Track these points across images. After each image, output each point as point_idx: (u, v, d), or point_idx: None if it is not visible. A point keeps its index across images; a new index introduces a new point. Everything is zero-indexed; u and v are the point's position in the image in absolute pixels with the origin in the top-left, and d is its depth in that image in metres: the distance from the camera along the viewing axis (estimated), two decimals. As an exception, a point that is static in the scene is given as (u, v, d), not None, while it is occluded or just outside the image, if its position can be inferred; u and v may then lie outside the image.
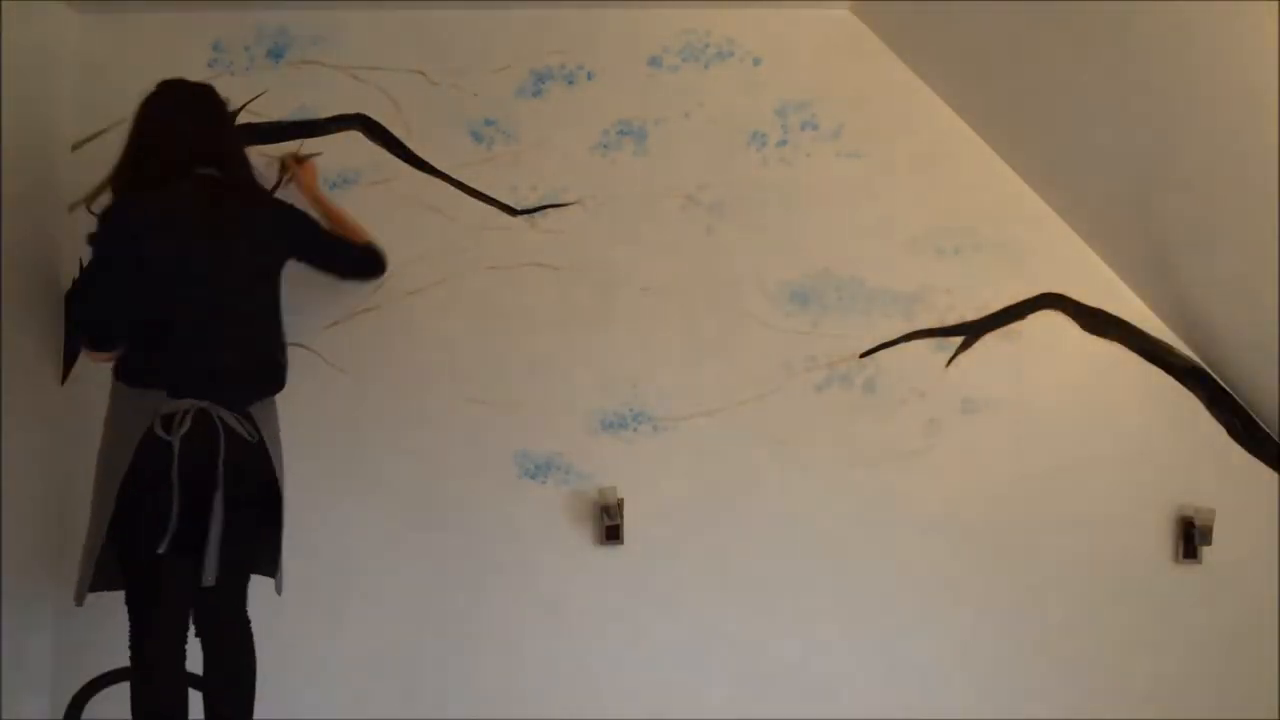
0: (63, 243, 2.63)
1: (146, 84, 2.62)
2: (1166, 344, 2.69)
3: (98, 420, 2.61)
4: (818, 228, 2.69)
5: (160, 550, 1.98)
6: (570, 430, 2.66)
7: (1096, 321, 2.70)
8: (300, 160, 2.58)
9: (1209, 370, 2.69)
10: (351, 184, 2.67)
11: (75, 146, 2.65)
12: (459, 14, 2.68)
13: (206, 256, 2.07)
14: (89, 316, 2.14)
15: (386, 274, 2.64)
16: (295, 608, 2.62)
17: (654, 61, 2.71)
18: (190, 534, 2.01)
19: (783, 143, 2.70)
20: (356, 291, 2.64)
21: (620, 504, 2.61)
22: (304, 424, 2.63)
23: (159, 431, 2.00)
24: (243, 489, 2.07)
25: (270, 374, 2.21)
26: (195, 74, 2.63)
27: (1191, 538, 2.64)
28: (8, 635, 2.42)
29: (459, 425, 2.65)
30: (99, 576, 2.08)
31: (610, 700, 2.63)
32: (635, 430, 2.66)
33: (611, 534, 2.62)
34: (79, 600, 2.10)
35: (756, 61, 2.71)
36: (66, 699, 2.59)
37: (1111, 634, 2.67)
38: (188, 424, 2.00)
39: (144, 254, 2.04)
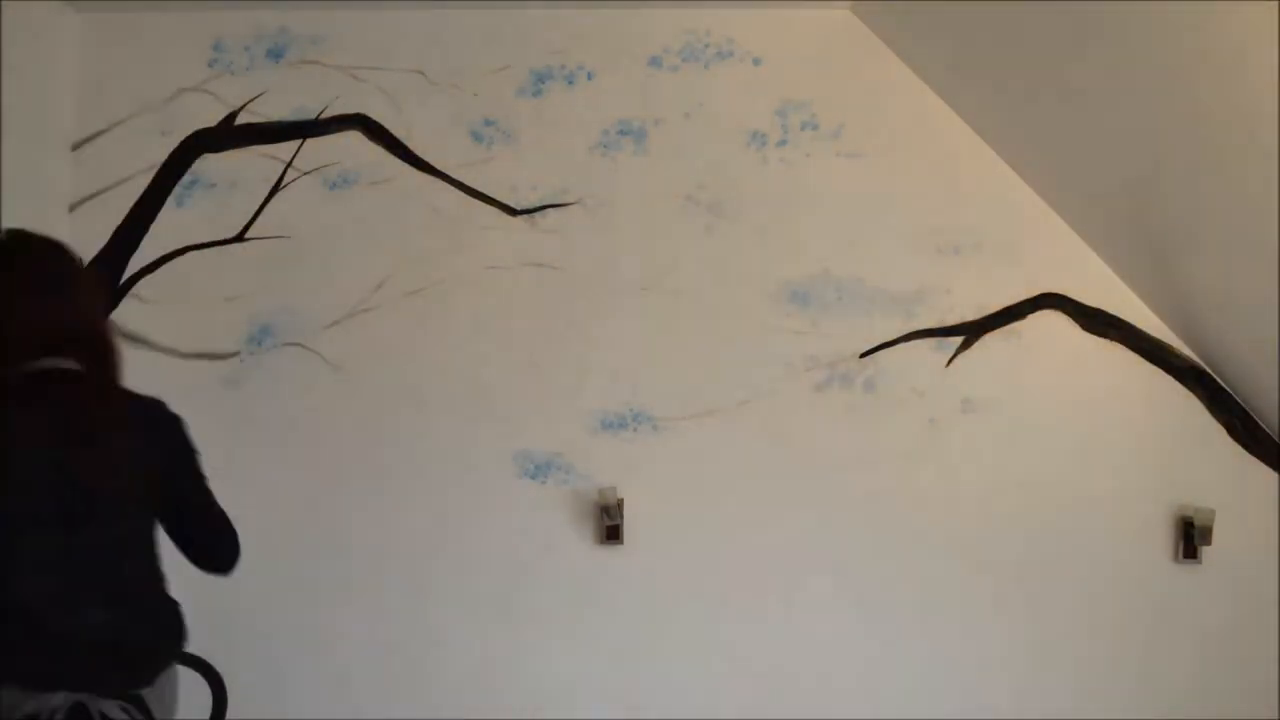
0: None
1: (146, 84, 2.66)
2: (1166, 344, 2.69)
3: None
4: (818, 228, 2.69)
5: None
6: (570, 430, 2.66)
7: (1096, 321, 2.70)
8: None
9: (1209, 370, 2.69)
10: (351, 184, 2.67)
11: (75, 146, 2.65)
12: (459, 14, 2.68)
13: (42, 487, 1.49)
14: None
15: (386, 274, 2.65)
16: (294, 606, 2.63)
17: (654, 61, 2.71)
18: None
19: (783, 143, 2.70)
20: (356, 291, 2.65)
21: (620, 504, 2.61)
22: (304, 424, 2.64)
23: None
24: None
25: (160, 636, 1.63)
26: (195, 74, 2.66)
27: (1191, 537, 2.64)
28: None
29: (459, 425, 2.65)
30: None
31: (610, 700, 2.63)
32: (635, 430, 2.66)
33: (611, 534, 2.62)
34: None
35: (756, 61, 2.71)
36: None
37: (1111, 633, 2.67)
38: None
39: None
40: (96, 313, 1.65)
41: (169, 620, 1.65)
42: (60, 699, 1.46)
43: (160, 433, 1.69)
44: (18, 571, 1.48)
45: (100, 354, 1.59)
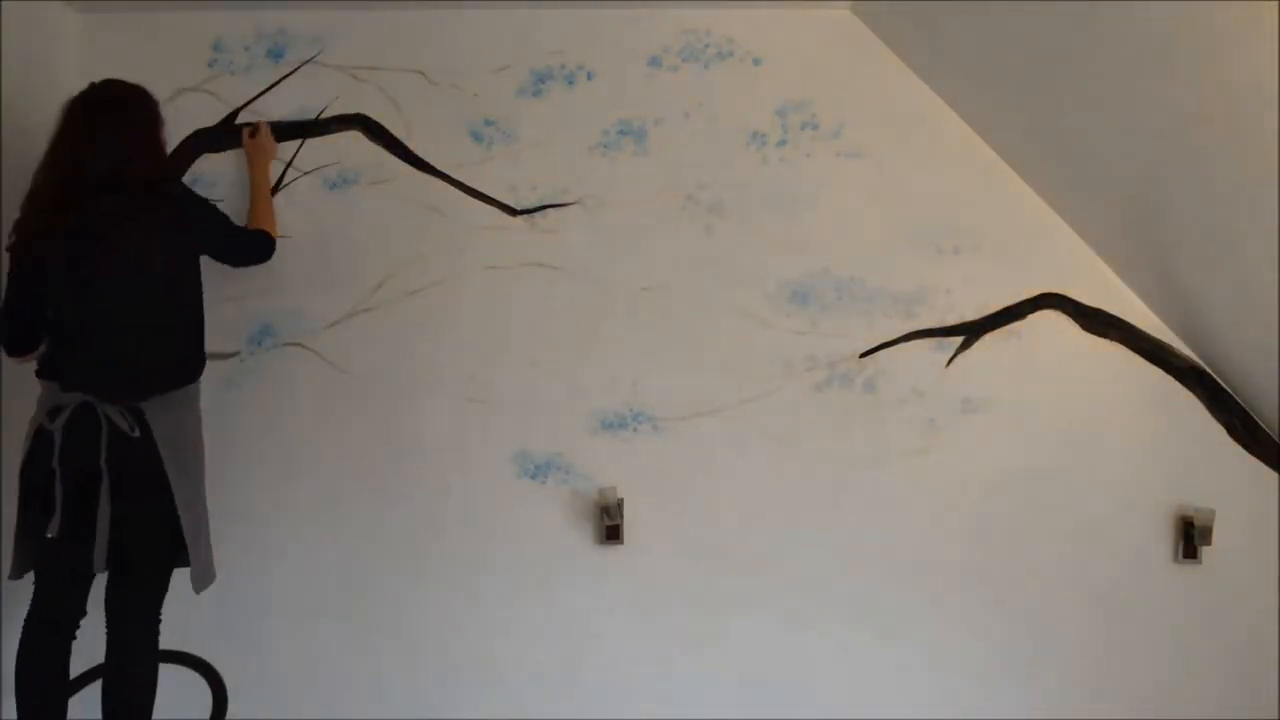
0: (63, 243, 2.63)
1: (146, 84, 2.64)
2: (1166, 344, 2.69)
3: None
4: (818, 228, 2.69)
5: (50, 534, 2.06)
6: (570, 430, 2.66)
7: (1096, 321, 2.70)
8: (253, 134, 2.61)
9: (1209, 370, 2.69)
10: (351, 184, 2.67)
11: (75, 146, 2.66)
12: (459, 14, 2.68)
13: (94, 258, 2.11)
14: (2, 324, 2.21)
15: (386, 274, 2.65)
16: (292, 606, 2.63)
17: (654, 61, 2.71)
18: (81, 522, 2.08)
19: (783, 143, 2.71)
20: (356, 291, 2.65)
21: (620, 504, 2.61)
22: (304, 424, 2.64)
23: (44, 422, 2.09)
24: (131, 483, 2.11)
25: (164, 370, 2.21)
26: (195, 74, 2.67)
27: (1191, 538, 2.64)
28: (8, 634, 2.42)
29: (459, 425, 2.65)
30: (27, 558, 2.16)
31: (610, 700, 2.63)
32: (635, 430, 2.66)
33: (611, 534, 2.62)
34: (12, 576, 2.18)
35: (756, 61, 2.71)
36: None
37: (1111, 633, 2.67)
38: (66, 415, 2.08)
39: (38, 273, 2.12)
40: (136, 142, 2.20)
41: (178, 355, 2.25)
42: (73, 397, 2.08)
43: (188, 211, 2.28)
44: (67, 315, 2.13)
45: (125, 174, 2.15)
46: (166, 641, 2.22)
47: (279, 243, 2.65)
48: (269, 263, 2.65)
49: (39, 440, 2.11)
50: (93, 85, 2.22)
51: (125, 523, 2.11)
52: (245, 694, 2.61)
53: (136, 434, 2.11)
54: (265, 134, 2.60)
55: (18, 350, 2.23)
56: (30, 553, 2.15)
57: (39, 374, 2.18)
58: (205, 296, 2.65)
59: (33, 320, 2.17)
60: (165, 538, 2.18)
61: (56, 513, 2.07)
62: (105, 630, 2.17)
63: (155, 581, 2.20)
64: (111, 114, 2.19)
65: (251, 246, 2.45)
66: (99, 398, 2.10)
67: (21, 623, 2.14)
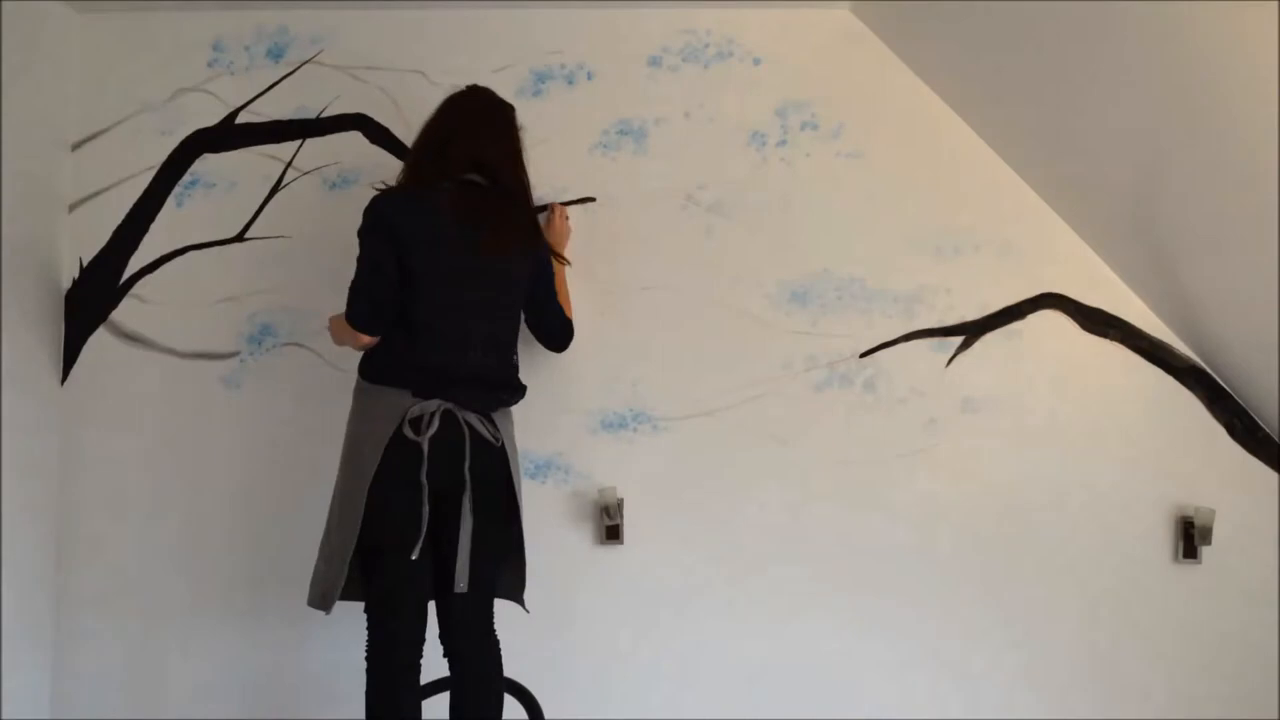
0: (63, 243, 2.64)
1: (146, 84, 2.66)
2: (1166, 344, 2.69)
3: (98, 421, 2.63)
4: (818, 228, 2.69)
5: (413, 556, 1.96)
6: (570, 430, 2.66)
7: (1096, 321, 2.70)
8: (565, 210, 2.62)
9: (1209, 370, 2.69)
10: (351, 184, 2.67)
11: (75, 146, 2.66)
12: (459, 14, 2.68)
13: (462, 259, 2.06)
14: (354, 298, 2.08)
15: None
16: (291, 605, 2.63)
17: (654, 61, 2.71)
18: (437, 540, 2.01)
19: (783, 143, 2.71)
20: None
21: (620, 504, 2.61)
22: (304, 424, 2.64)
23: (408, 432, 1.99)
24: (486, 493, 2.05)
25: (512, 381, 2.19)
26: (195, 74, 2.67)
27: (1191, 538, 2.64)
28: (8, 635, 2.42)
29: (459, 425, 2.65)
30: (355, 585, 2.04)
31: (610, 700, 2.63)
32: (635, 430, 2.66)
33: (611, 534, 2.62)
34: (327, 607, 2.05)
35: (756, 61, 2.71)
36: (64, 699, 2.59)
37: (1111, 633, 2.67)
38: (436, 424, 1.99)
39: (399, 248, 2.04)
40: (516, 154, 2.21)
41: (515, 372, 2.21)
42: (435, 405, 2.02)
43: (539, 244, 2.26)
44: (428, 313, 2.05)
45: (510, 180, 2.16)
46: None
47: (279, 243, 2.67)
48: (268, 263, 2.66)
49: (397, 452, 1.99)
50: (475, 87, 2.26)
51: (484, 536, 2.03)
52: (253, 691, 2.60)
53: (499, 443, 2.07)
54: (560, 216, 2.59)
55: (372, 325, 2.07)
56: (375, 579, 2.02)
57: (373, 377, 2.09)
58: (205, 296, 2.67)
59: (386, 300, 2.05)
60: (508, 548, 2.15)
61: (422, 531, 1.97)
62: (445, 651, 2.08)
63: (492, 601, 2.14)
64: (501, 114, 2.21)
65: (560, 319, 2.40)
66: (459, 405, 2.03)
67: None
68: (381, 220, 2.06)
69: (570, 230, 2.61)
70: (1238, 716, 2.64)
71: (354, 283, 2.08)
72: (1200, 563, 2.66)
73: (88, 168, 2.66)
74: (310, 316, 2.65)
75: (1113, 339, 2.70)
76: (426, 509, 1.97)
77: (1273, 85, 1.76)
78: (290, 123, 2.67)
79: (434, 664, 2.11)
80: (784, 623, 2.65)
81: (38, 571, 2.56)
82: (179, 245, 2.66)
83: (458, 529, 1.99)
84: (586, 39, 2.69)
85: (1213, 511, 2.62)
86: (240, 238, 2.66)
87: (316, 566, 2.09)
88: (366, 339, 2.09)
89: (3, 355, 2.39)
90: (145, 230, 2.65)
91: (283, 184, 2.67)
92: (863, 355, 2.69)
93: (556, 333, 2.41)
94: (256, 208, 2.66)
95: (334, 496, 2.10)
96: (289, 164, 2.67)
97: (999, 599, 2.67)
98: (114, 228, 2.65)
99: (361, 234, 2.10)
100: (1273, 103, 1.79)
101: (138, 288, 2.65)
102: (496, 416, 2.12)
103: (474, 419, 2.05)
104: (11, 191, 2.41)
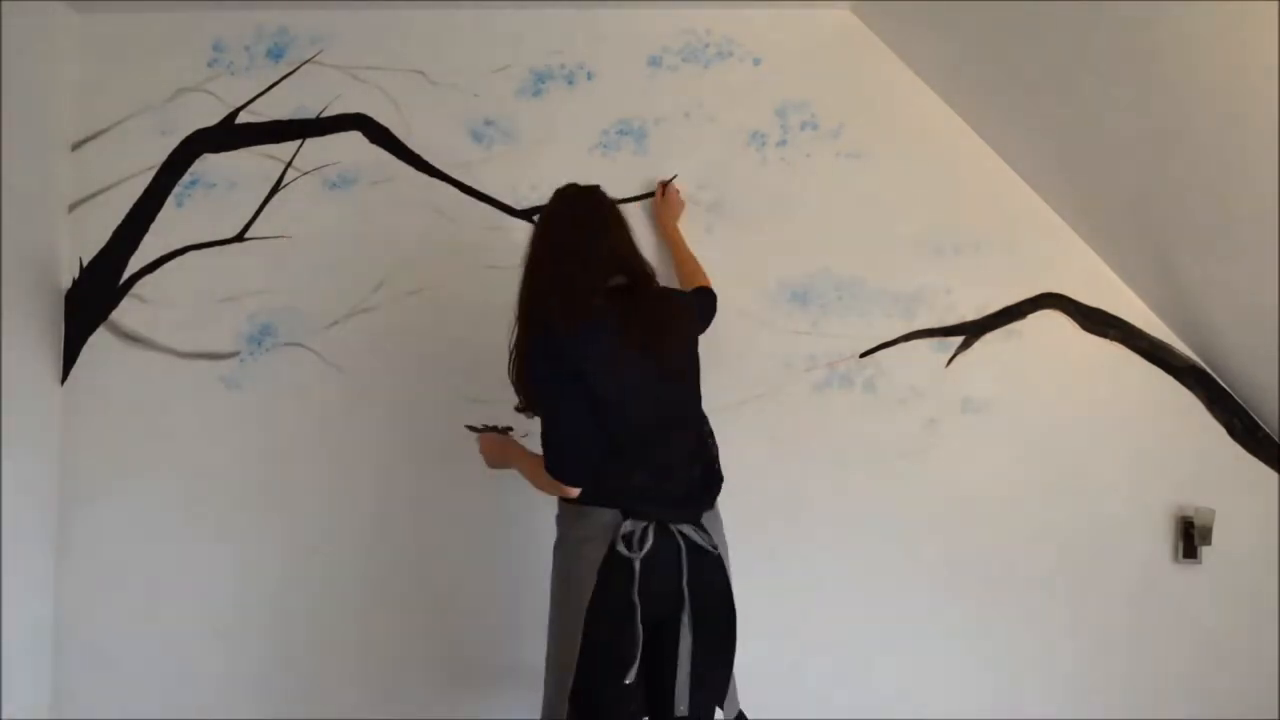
0: (63, 243, 2.64)
1: (146, 84, 2.66)
2: (1166, 344, 2.69)
3: (98, 421, 2.63)
4: (818, 228, 2.69)
5: (628, 680, 1.89)
6: (570, 430, 2.65)
7: (1096, 321, 2.70)
8: (665, 186, 2.61)
9: (1209, 370, 2.69)
10: (351, 184, 2.67)
11: (75, 146, 2.66)
12: (459, 14, 2.68)
13: (639, 368, 1.96)
14: (556, 454, 1.96)
15: (386, 274, 2.66)
16: (289, 604, 2.63)
17: (654, 61, 2.71)
18: (654, 659, 1.93)
19: (783, 143, 2.71)
20: (356, 291, 2.65)
21: (620, 504, 2.61)
22: (304, 424, 2.64)
23: (621, 549, 1.91)
24: (705, 605, 1.95)
25: (713, 473, 2.09)
26: (195, 74, 2.66)
27: (1191, 538, 2.64)
28: (8, 633, 2.43)
29: (459, 425, 2.64)
30: (575, 710, 1.95)
31: (610, 700, 2.63)
32: (635, 430, 2.66)
33: (611, 534, 2.61)
34: None
35: (756, 61, 2.71)
36: (65, 699, 2.60)
37: (1111, 633, 2.67)
38: (650, 540, 1.91)
39: (587, 385, 1.92)
40: (630, 237, 2.08)
41: (715, 458, 2.10)
42: (647, 520, 1.92)
43: (684, 297, 2.25)
44: (624, 432, 1.95)
45: (640, 270, 2.05)
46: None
47: (279, 243, 2.67)
48: (268, 263, 2.66)
49: (612, 571, 1.90)
50: (573, 185, 2.11)
51: (703, 653, 1.93)
52: (233, 684, 2.60)
53: (715, 549, 1.98)
54: (674, 191, 2.59)
55: (581, 477, 1.96)
56: (587, 701, 1.93)
57: (579, 499, 1.98)
58: (205, 296, 2.67)
59: (589, 446, 1.94)
60: (729, 665, 2.02)
61: (638, 652, 1.88)
62: None
63: (711, 717, 2.00)
64: (611, 209, 2.08)
65: (712, 302, 2.38)
66: (669, 517, 1.94)
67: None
68: (561, 363, 1.93)
69: (683, 204, 2.62)
70: (1238, 716, 2.64)
71: (550, 435, 1.96)
72: (1200, 563, 2.66)
73: (88, 168, 2.66)
74: (310, 316, 2.65)
75: (1113, 339, 2.70)
76: (640, 629, 1.89)
77: (1273, 85, 1.76)
78: (290, 123, 2.67)
79: None
80: (784, 622, 2.65)
81: (37, 570, 2.56)
82: (179, 245, 2.66)
83: (675, 647, 1.91)
84: (586, 39, 2.69)
85: (1213, 511, 2.63)
86: (240, 238, 2.67)
87: (546, 689, 2.02)
88: (573, 490, 1.99)
89: (3, 355, 2.39)
90: (145, 230, 2.65)
91: (283, 184, 2.67)
92: (863, 355, 2.69)
93: (711, 312, 2.39)
94: (256, 208, 2.67)
95: (550, 620, 2.05)
96: (289, 164, 2.67)
97: (997, 598, 2.67)
98: (114, 228, 2.65)
99: (541, 381, 1.97)
100: (1273, 103, 1.79)
101: (138, 288, 2.65)
102: (707, 518, 2.03)
103: (687, 528, 1.96)
104: (11, 191, 2.41)
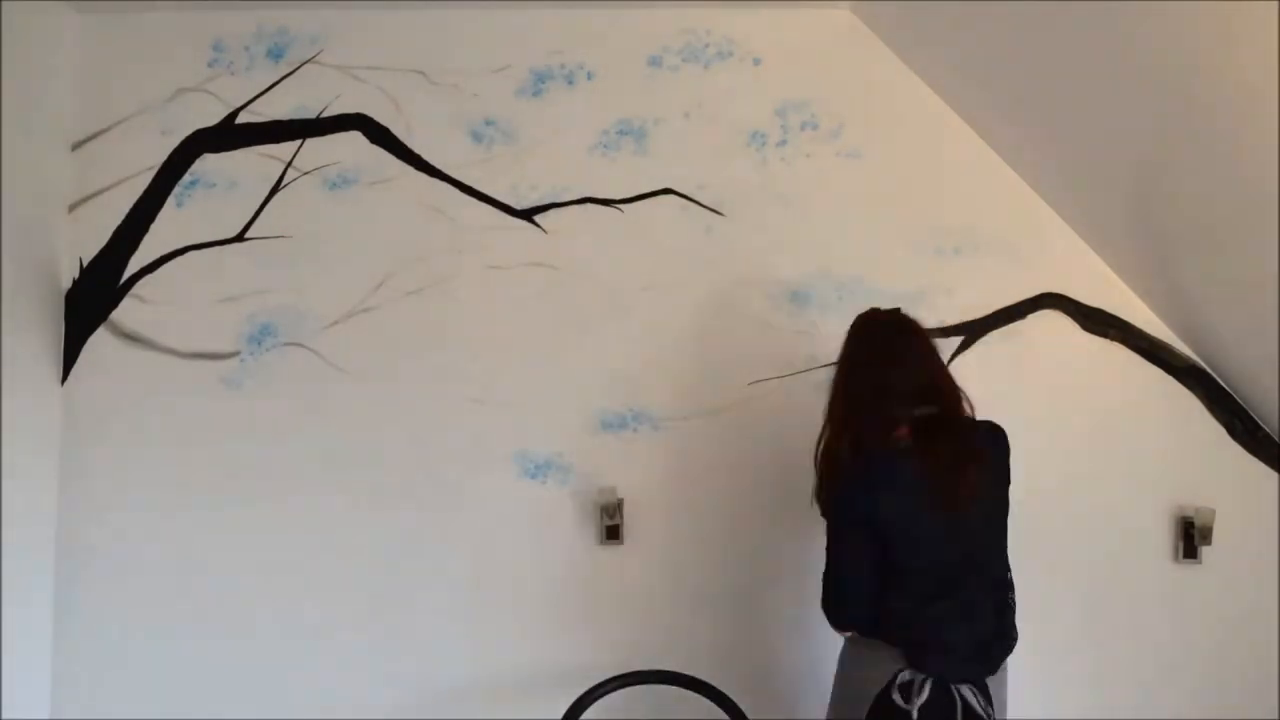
0: (63, 243, 2.64)
1: (146, 84, 2.66)
2: (1166, 344, 2.69)
3: (98, 421, 2.63)
4: (818, 228, 2.69)
5: None
6: (570, 430, 2.66)
7: (1096, 321, 2.70)
8: None
9: (1209, 370, 2.69)
10: (351, 184, 2.67)
11: (75, 146, 2.66)
12: (459, 14, 2.68)
13: (941, 515, 1.89)
14: (835, 598, 1.99)
15: (386, 274, 2.66)
16: (290, 604, 2.63)
17: (654, 61, 2.71)
18: None
19: (783, 143, 2.71)
20: (356, 291, 2.65)
21: (620, 504, 2.61)
22: (304, 424, 2.64)
23: (896, 698, 1.88)
24: None
25: (1006, 632, 1.98)
26: (195, 74, 2.66)
27: (1191, 537, 2.64)
28: (8, 635, 2.42)
29: (459, 425, 2.65)
30: None
31: (610, 700, 2.62)
32: (635, 430, 2.66)
33: (611, 534, 2.62)
34: None
35: (756, 61, 2.71)
36: (65, 699, 2.59)
37: (1111, 633, 2.67)
38: (926, 694, 1.86)
39: (879, 530, 1.91)
40: (940, 361, 2.04)
41: (1011, 618, 1.98)
42: (927, 674, 1.87)
43: (1002, 454, 2.03)
44: (916, 580, 1.90)
45: (948, 399, 1.98)
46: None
47: (279, 243, 2.67)
48: (268, 263, 2.66)
49: (883, 715, 1.89)
50: (874, 312, 2.10)
51: None
52: (236, 687, 2.61)
53: (991, 718, 1.89)
54: None
55: (848, 622, 1.99)
56: None
57: (863, 630, 1.98)
58: (205, 296, 2.67)
59: (867, 596, 1.93)
60: None
61: None
62: None
63: None
64: (920, 334, 2.04)
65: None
66: (951, 674, 1.88)
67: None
68: (857, 507, 1.93)
69: None
70: (1238, 716, 2.64)
71: (831, 573, 1.98)
72: (1200, 563, 2.66)
73: (88, 168, 2.65)
74: (310, 316, 2.65)
75: (1113, 339, 2.70)
76: None
77: (1273, 85, 1.76)
78: (290, 123, 2.67)
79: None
80: (784, 623, 2.65)
81: (38, 571, 2.56)
82: (179, 245, 2.66)
83: None
84: (586, 39, 2.69)
85: (1213, 511, 2.62)
86: (240, 238, 2.66)
87: None
88: (845, 630, 2.02)
89: (3, 355, 2.39)
90: (145, 230, 2.65)
91: (283, 184, 2.67)
92: (863, 355, 2.69)
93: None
94: (256, 208, 2.66)
95: None
96: (289, 164, 2.67)
97: (999, 599, 2.67)
98: (114, 228, 2.65)
99: (836, 519, 1.99)
100: (1273, 103, 1.79)
101: (138, 288, 2.65)
102: (991, 681, 1.93)
103: (967, 691, 1.89)
104: (11, 191, 2.41)
